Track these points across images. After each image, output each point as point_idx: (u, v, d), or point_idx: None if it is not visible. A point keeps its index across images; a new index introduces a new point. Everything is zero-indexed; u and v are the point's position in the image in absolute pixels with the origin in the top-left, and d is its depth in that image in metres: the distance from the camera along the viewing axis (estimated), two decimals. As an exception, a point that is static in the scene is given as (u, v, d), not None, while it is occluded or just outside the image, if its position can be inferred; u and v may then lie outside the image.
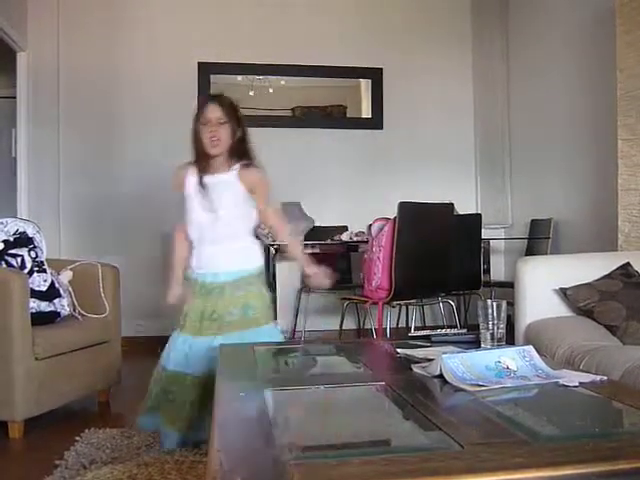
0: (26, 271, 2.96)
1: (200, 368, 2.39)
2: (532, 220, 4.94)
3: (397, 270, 3.45)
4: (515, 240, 5.19)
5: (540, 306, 2.64)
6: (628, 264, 2.68)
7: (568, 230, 4.51)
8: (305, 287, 5.06)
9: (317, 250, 4.51)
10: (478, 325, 1.86)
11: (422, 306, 5.18)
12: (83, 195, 5.05)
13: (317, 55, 5.32)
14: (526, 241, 4.96)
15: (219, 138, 2.42)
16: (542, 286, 2.66)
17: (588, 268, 2.69)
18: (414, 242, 3.54)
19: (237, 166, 2.50)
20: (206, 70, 5.21)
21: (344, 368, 1.94)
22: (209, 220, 2.47)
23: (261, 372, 1.76)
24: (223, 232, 2.49)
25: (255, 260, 2.57)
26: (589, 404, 1.42)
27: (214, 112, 2.43)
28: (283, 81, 5.41)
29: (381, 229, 3.53)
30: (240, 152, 2.51)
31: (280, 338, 2.59)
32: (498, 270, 5.37)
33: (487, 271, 4.68)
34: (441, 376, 1.49)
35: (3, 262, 2.94)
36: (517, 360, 1.55)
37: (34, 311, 2.86)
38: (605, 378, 1.53)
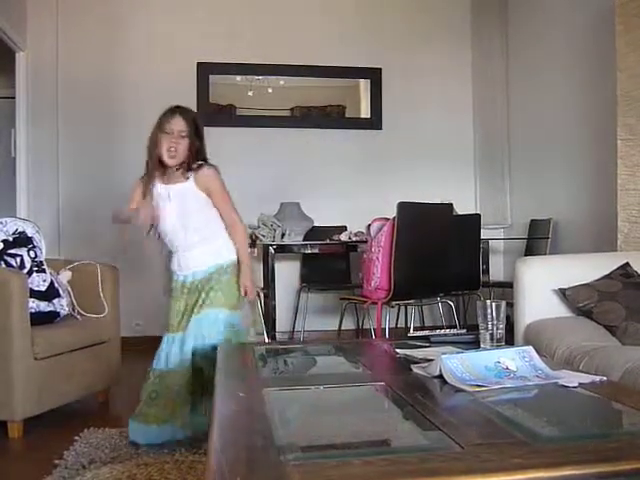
0: (25, 271, 2.95)
1: (175, 362, 2.53)
2: (531, 220, 4.94)
3: (396, 270, 3.45)
4: (514, 240, 5.19)
5: (539, 306, 2.64)
6: (627, 264, 2.68)
7: (567, 230, 4.51)
8: (304, 287, 5.06)
9: (316, 250, 4.51)
10: (477, 325, 1.86)
11: (421, 306, 5.18)
12: (82, 195, 5.04)
13: (316, 55, 5.31)
14: (525, 241, 4.96)
15: (177, 150, 2.48)
16: (541, 286, 2.66)
17: (587, 268, 2.69)
18: (413, 242, 3.54)
19: (191, 173, 2.54)
20: (205, 70, 5.20)
21: (343, 368, 1.94)
22: (178, 229, 2.59)
23: (260, 372, 1.76)
24: (193, 239, 2.59)
25: (226, 255, 2.62)
26: (589, 405, 1.42)
27: (177, 124, 2.49)
28: (282, 81, 5.41)
29: (380, 229, 3.52)
30: (195, 164, 2.56)
31: (215, 326, 2.54)
32: (497, 270, 5.37)
33: (486, 271, 4.68)
34: (441, 376, 1.49)
35: (2, 262, 2.93)
36: (517, 360, 1.55)
37: (33, 311, 2.86)
38: (605, 379, 1.54)
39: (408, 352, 1.89)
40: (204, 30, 5.20)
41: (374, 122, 5.48)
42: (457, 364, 1.50)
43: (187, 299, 2.61)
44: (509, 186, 5.41)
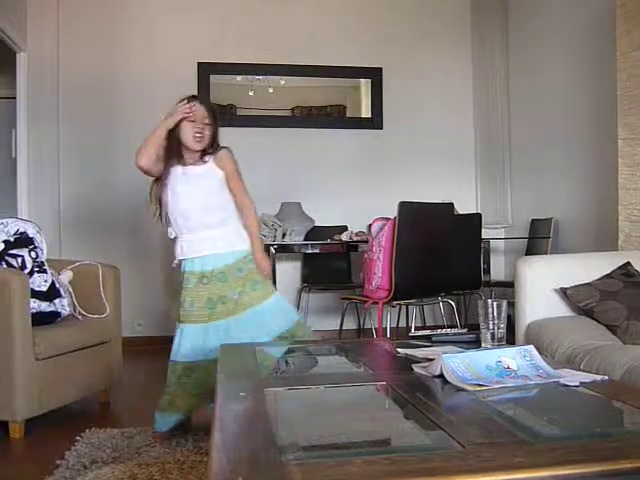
0: (27, 271, 2.96)
1: (209, 351, 2.50)
2: (532, 220, 4.94)
3: (397, 270, 3.45)
4: (515, 240, 5.19)
5: (540, 306, 2.64)
6: (628, 264, 2.68)
7: (568, 230, 4.51)
8: (305, 287, 5.06)
9: (317, 250, 4.52)
10: (478, 325, 1.86)
11: (422, 306, 5.18)
12: (83, 195, 5.05)
13: (317, 55, 5.32)
14: (526, 241, 4.96)
15: (203, 135, 2.58)
16: (542, 286, 2.66)
17: (588, 268, 2.69)
18: (414, 242, 3.54)
19: (209, 157, 2.63)
20: (206, 70, 5.21)
21: (344, 368, 1.94)
22: (199, 208, 2.60)
23: (261, 372, 1.76)
24: (215, 217, 2.62)
25: (248, 240, 2.68)
26: (590, 404, 1.42)
27: (201, 112, 2.59)
28: (283, 81, 5.41)
29: (381, 229, 3.52)
30: (212, 148, 2.66)
31: (288, 305, 2.72)
32: (498, 270, 5.37)
33: (487, 271, 4.68)
34: (442, 376, 1.49)
35: (3, 262, 2.94)
36: (518, 360, 1.55)
37: (35, 311, 2.86)
38: (606, 378, 1.53)
39: (409, 351, 1.89)
40: (204, 30, 5.21)
41: (375, 122, 5.49)
42: (458, 363, 1.50)
43: (210, 288, 2.57)
44: (510, 185, 5.41)
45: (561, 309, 2.63)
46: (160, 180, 2.63)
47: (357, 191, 5.34)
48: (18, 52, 4.84)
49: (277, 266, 4.30)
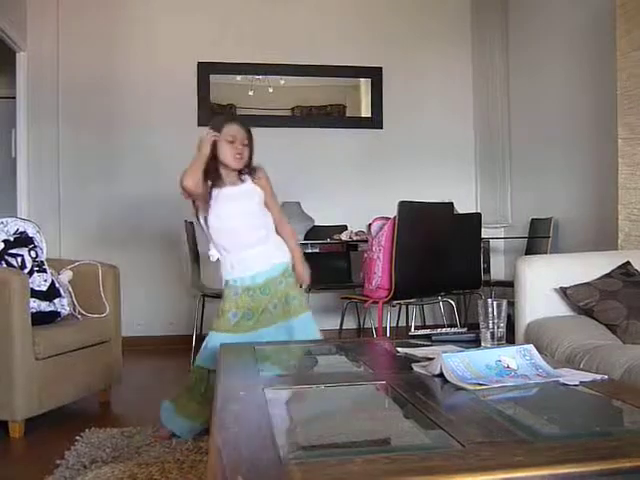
0: (26, 271, 2.96)
1: None
2: (532, 219, 4.94)
3: (397, 269, 3.45)
4: (515, 239, 5.19)
5: (540, 305, 2.64)
6: (628, 263, 2.69)
7: (568, 229, 4.51)
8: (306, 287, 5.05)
9: (317, 249, 4.52)
10: (478, 324, 1.86)
11: (422, 305, 5.18)
12: (83, 195, 5.05)
13: (316, 54, 5.32)
14: (526, 240, 4.96)
15: (242, 156, 2.64)
16: (542, 285, 2.66)
17: (588, 267, 2.69)
18: (414, 241, 3.53)
19: (246, 176, 2.70)
20: (206, 70, 5.21)
21: (344, 367, 1.94)
22: (243, 227, 2.66)
23: (262, 371, 1.76)
24: (257, 236, 2.68)
25: (287, 253, 2.75)
26: (590, 403, 1.42)
27: (240, 133, 2.64)
28: (282, 81, 5.41)
29: (381, 228, 3.52)
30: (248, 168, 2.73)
31: (314, 326, 2.72)
32: (498, 269, 5.37)
33: (487, 270, 4.68)
34: (441, 375, 1.49)
35: (3, 262, 2.94)
36: (517, 359, 1.55)
37: (34, 311, 2.86)
38: (605, 377, 1.53)
39: (409, 351, 1.89)
40: (204, 30, 5.21)
41: (375, 121, 5.49)
42: (458, 363, 1.50)
43: (253, 301, 2.62)
44: (510, 185, 5.41)
45: (561, 308, 2.63)
46: (201, 202, 2.64)
47: (357, 191, 5.34)
48: (18, 52, 4.84)
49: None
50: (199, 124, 5.06)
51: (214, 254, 2.71)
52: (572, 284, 2.60)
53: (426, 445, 1.11)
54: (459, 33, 5.63)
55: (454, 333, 2.24)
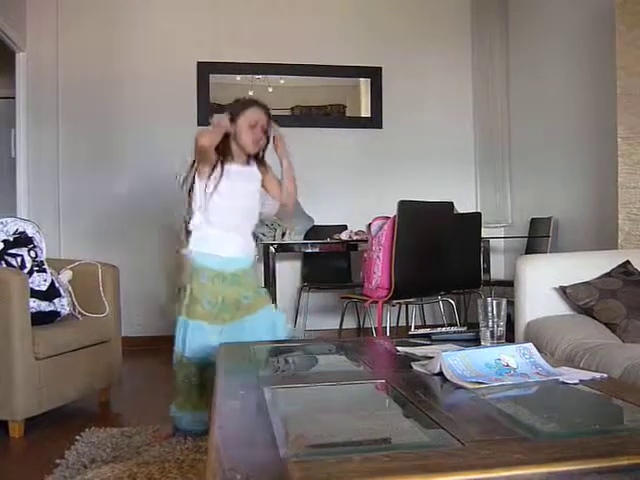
0: (26, 271, 2.96)
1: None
2: (532, 219, 4.94)
3: (397, 269, 3.44)
4: (515, 239, 5.19)
5: (540, 304, 2.64)
6: (628, 262, 2.68)
7: (568, 228, 4.51)
8: (305, 286, 5.05)
9: (317, 249, 4.51)
10: (478, 323, 1.86)
11: (422, 305, 5.19)
12: (83, 195, 5.05)
13: (316, 54, 5.32)
14: (526, 240, 4.96)
15: (261, 141, 2.63)
16: (542, 284, 2.66)
17: (588, 266, 2.69)
18: (414, 241, 3.53)
19: (252, 161, 2.68)
20: (205, 69, 5.21)
21: (344, 366, 1.94)
22: (241, 209, 2.64)
23: (261, 370, 1.76)
24: (247, 221, 2.68)
25: (254, 250, 2.76)
26: (589, 401, 1.42)
27: (263, 118, 2.62)
28: (282, 80, 5.41)
29: (381, 228, 3.52)
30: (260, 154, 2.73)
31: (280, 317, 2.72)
32: (498, 269, 5.37)
33: (487, 270, 4.68)
34: (441, 374, 1.49)
35: (3, 262, 2.94)
36: (517, 358, 1.55)
37: (34, 311, 2.86)
38: (605, 376, 1.53)
39: (409, 350, 1.89)
40: (204, 29, 5.21)
41: (374, 121, 5.49)
42: (457, 361, 1.50)
43: (225, 289, 2.56)
44: (509, 185, 5.41)
45: (561, 308, 2.63)
46: (207, 167, 2.56)
47: (357, 190, 5.34)
48: (17, 52, 4.84)
49: (277, 265, 4.30)
50: (199, 124, 5.06)
51: (197, 224, 2.60)
52: (572, 283, 2.60)
53: (425, 443, 1.11)
54: (459, 33, 5.63)
55: (454, 332, 2.24)
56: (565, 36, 4.52)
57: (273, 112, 2.75)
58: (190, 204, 2.63)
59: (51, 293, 3.03)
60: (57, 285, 3.09)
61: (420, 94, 5.57)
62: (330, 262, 5.26)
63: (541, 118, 4.91)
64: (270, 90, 5.38)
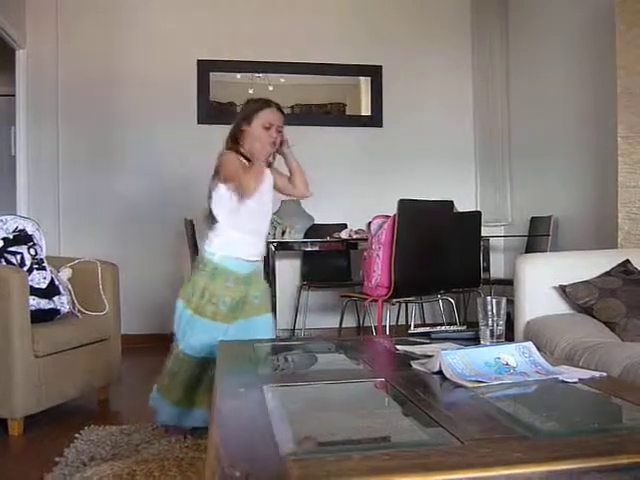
0: (26, 269, 2.95)
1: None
2: (532, 218, 4.94)
3: (397, 267, 3.44)
4: (515, 238, 5.19)
5: (540, 303, 2.64)
6: (628, 261, 2.69)
7: (568, 227, 4.51)
8: (305, 285, 5.05)
9: (317, 248, 4.51)
10: (478, 322, 1.86)
11: (422, 303, 5.19)
12: (82, 193, 5.05)
13: (316, 53, 5.32)
14: (526, 239, 4.96)
15: (276, 142, 2.64)
16: (542, 283, 2.67)
17: (588, 265, 2.69)
18: (414, 240, 3.53)
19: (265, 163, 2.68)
20: (205, 68, 5.21)
21: (344, 364, 1.94)
22: (266, 213, 2.70)
23: (260, 368, 1.76)
24: (268, 222, 2.74)
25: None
26: (588, 400, 1.42)
27: (278, 120, 2.62)
28: (282, 79, 5.41)
29: (381, 226, 3.52)
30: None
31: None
32: (498, 268, 5.37)
33: (487, 269, 4.68)
34: (441, 372, 1.49)
35: (2, 260, 2.93)
36: (516, 356, 1.55)
37: (34, 309, 2.86)
38: (604, 374, 1.53)
39: (408, 348, 1.89)
40: (204, 28, 5.20)
41: (375, 120, 5.48)
42: (457, 360, 1.50)
43: (239, 289, 2.58)
44: (509, 184, 5.41)
45: (560, 307, 2.63)
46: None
47: (357, 189, 5.34)
48: (17, 49, 4.84)
49: (277, 264, 4.30)
50: (199, 122, 5.06)
51: (223, 227, 2.56)
52: (571, 282, 2.60)
53: (425, 442, 1.11)
54: (459, 33, 5.62)
55: (453, 331, 2.24)
56: (565, 36, 4.52)
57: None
58: (211, 209, 2.60)
59: (51, 291, 3.03)
60: (57, 283, 3.09)
61: (420, 93, 5.57)
62: (330, 261, 5.26)
63: (541, 118, 4.91)
64: (270, 88, 5.38)
